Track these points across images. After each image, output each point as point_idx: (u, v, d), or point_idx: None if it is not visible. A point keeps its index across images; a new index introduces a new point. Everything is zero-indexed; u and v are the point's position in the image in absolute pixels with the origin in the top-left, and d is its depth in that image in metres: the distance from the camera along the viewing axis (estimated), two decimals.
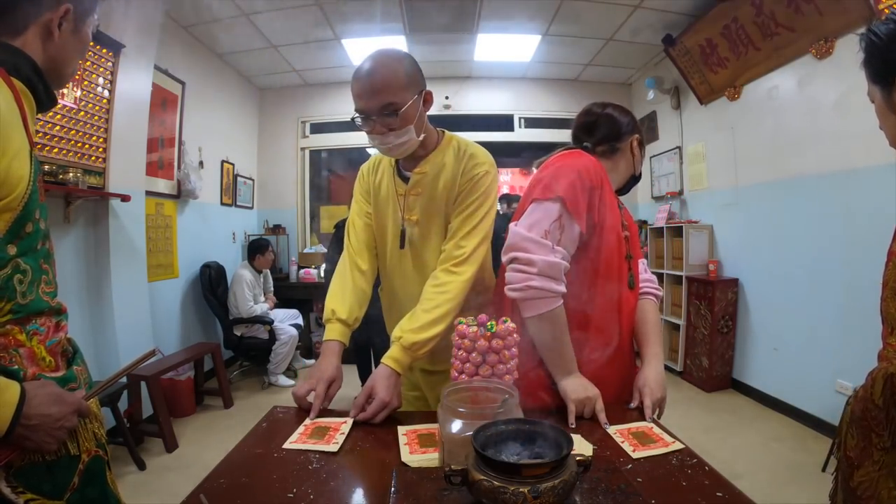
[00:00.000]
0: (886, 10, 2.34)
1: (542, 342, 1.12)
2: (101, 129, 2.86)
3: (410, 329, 1.14)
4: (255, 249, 4.17)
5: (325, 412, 1.11)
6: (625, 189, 1.33)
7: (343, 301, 1.25)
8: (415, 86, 1.17)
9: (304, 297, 4.82)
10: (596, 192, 1.12)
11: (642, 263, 1.33)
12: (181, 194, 3.85)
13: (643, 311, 1.26)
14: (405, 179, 1.29)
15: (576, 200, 1.08)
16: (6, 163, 0.71)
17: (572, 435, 0.71)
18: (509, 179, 11.24)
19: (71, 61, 0.88)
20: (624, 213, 1.27)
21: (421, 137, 1.22)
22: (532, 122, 5.41)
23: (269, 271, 4.38)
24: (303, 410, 1.12)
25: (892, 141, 0.89)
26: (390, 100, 1.13)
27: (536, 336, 1.12)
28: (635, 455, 0.88)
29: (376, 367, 1.15)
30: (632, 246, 1.24)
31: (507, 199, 4.54)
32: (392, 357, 1.13)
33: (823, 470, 2.41)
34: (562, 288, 1.08)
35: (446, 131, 1.32)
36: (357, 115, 1.17)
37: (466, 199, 1.23)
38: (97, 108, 2.78)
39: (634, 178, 1.33)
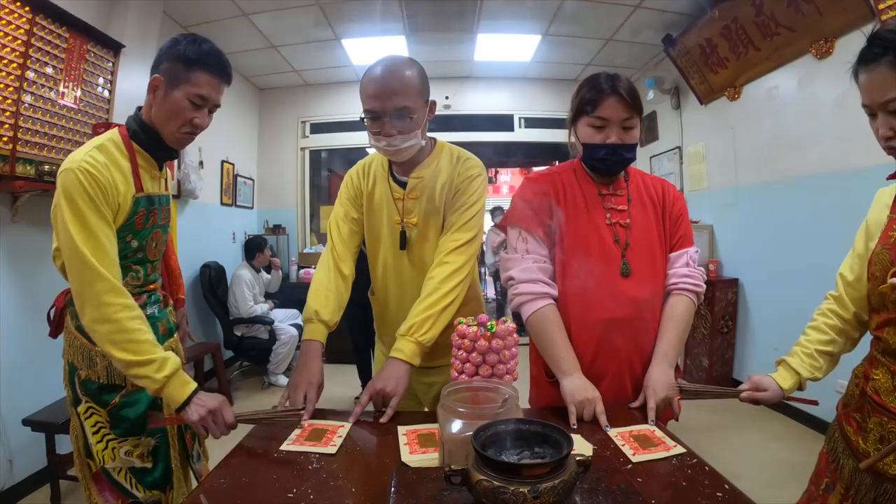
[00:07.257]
0: (891, 12, 2.33)
1: (537, 342, 1.20)
2: None
3: (417, 321, 1.18)
4: (254, 248, 4.17)
5: (321, 413, 1.12)
6: (601, 167, 1.21)
7: (327, 303, 1.28)
8: (426, 93, 1.24)
9: (303, 297, 4.71)
10: (544, 201, 1.22)
11: (682, 258, 1.24)
12: (181, 194, 3.84)
13: (667, 307, 1.23)
14: (401, 184, 1.31)
15: (524, 218, 1.23)
16: (117, 203, 1.04)
17: (572, 435, 0.71)
18: (509, 179, 11.20)
19: (166, 123, 1.09)
20: (632, 204, 1.22)
21: (423, 142, 1.27)
22: (532, 122, 5.41)
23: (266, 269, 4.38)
24: (298, 410, 1.12)
25: None
26: (406, 103, 1.17)
27: (533, 337, 1.21)
28: (635, 459, 0.88)
29: (376, 367, 1.15)
30: (632, 236, 1.20)
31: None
32: (399, 349, 1.17)
33: None
34: (543, 288, 1.17)
35: (437, 139, 1.36)
36: (367, 114, 1.20)
37: (462, 197, 1.28)
38: (97, 108, 2.78)
39: (591, 157, 1.20)
